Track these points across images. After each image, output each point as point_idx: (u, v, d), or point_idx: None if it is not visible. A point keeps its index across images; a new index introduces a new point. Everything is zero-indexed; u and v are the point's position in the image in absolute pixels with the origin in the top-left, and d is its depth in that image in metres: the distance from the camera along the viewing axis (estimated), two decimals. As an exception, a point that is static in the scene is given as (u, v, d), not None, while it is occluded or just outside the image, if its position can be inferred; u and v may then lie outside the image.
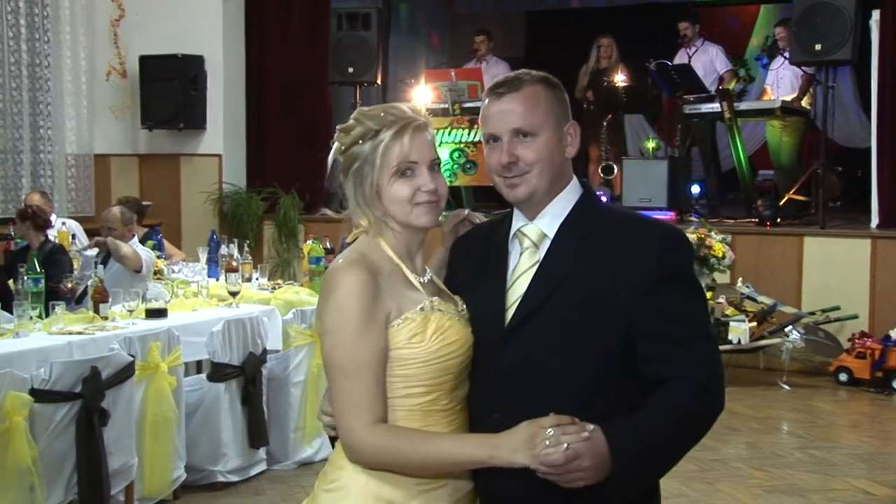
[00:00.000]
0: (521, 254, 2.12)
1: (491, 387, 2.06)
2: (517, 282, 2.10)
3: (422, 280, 2.09)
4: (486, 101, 2.14)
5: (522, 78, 2.12)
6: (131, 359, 4.45)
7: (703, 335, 2.07)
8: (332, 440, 2.09)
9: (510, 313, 2.07)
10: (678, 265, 2.06)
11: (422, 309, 2.02)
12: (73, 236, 7.40)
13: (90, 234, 8.05)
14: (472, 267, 2.18)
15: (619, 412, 1.98)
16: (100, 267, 5.73)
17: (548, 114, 2.10)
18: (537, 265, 2.09)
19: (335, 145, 2.10)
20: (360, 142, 2.05)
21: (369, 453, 1.96)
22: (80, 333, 4.66)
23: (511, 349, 2.05)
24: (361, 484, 1.99)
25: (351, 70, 9.46)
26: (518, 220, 2.16)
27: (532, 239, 2.12)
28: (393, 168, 2.03)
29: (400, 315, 2.00)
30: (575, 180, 2.16)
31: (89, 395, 4.13)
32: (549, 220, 2.11)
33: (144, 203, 8.10)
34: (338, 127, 2.11)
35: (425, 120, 2.08)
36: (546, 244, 2.10)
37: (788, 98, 9.36)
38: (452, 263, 2.24)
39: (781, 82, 9.77)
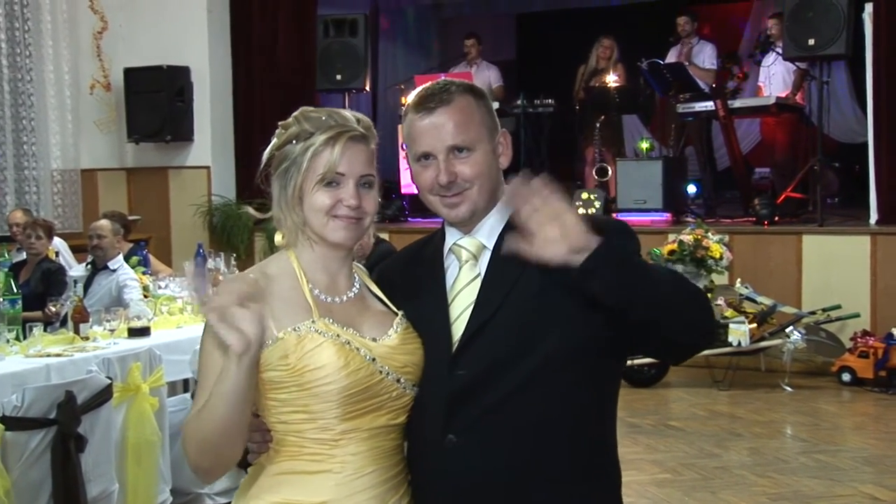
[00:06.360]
0: (459, 268, 2.00)
1: (443, 408, 1.92)
2: (459, 296, 1.97)
3: (335, 299, 1.95)
4: (412, 116, 1.98)
5: (450, 89, 1.97)
6: (109, 381, 4.30)
7: None
8: (246, 465, 1.99)
9: (457, 329, 1.94)
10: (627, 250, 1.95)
11: (295, 329, 1.87)
12: (58, 253, 7.26)
13: (77, 250, 7.92)
14: (404, 291, 2.04)
15: (588, 414, 1.92)
16: (79, 286, 5.60)
17: (481, 125, 1.98)
18: (480, 277, 1.97)
19: (273, 140, 2.00)
20: (294, 142, 1.95)
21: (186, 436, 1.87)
22: (58, 356, 4.51)
23: (464, 365, 1.91)
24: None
25: (339, 77, 9.37)
26: (452, 235, 2.03)
27: (471, 251, 2.00)
28: (318, 176, 1.92)
29: (276, 334, 1.87)
30: None
31: (64, 421, 3.98)
32: (489, 232, 1.99)
33: (131, 217, 7.97)
34: (279, 123, 2.01)
35: (366, 132, 1.97)
36: (486, 255, 1.99)
37: (782, 94, 9.24)
38: (385, 294, 2.07)
39: (773, 78, 9.65)
